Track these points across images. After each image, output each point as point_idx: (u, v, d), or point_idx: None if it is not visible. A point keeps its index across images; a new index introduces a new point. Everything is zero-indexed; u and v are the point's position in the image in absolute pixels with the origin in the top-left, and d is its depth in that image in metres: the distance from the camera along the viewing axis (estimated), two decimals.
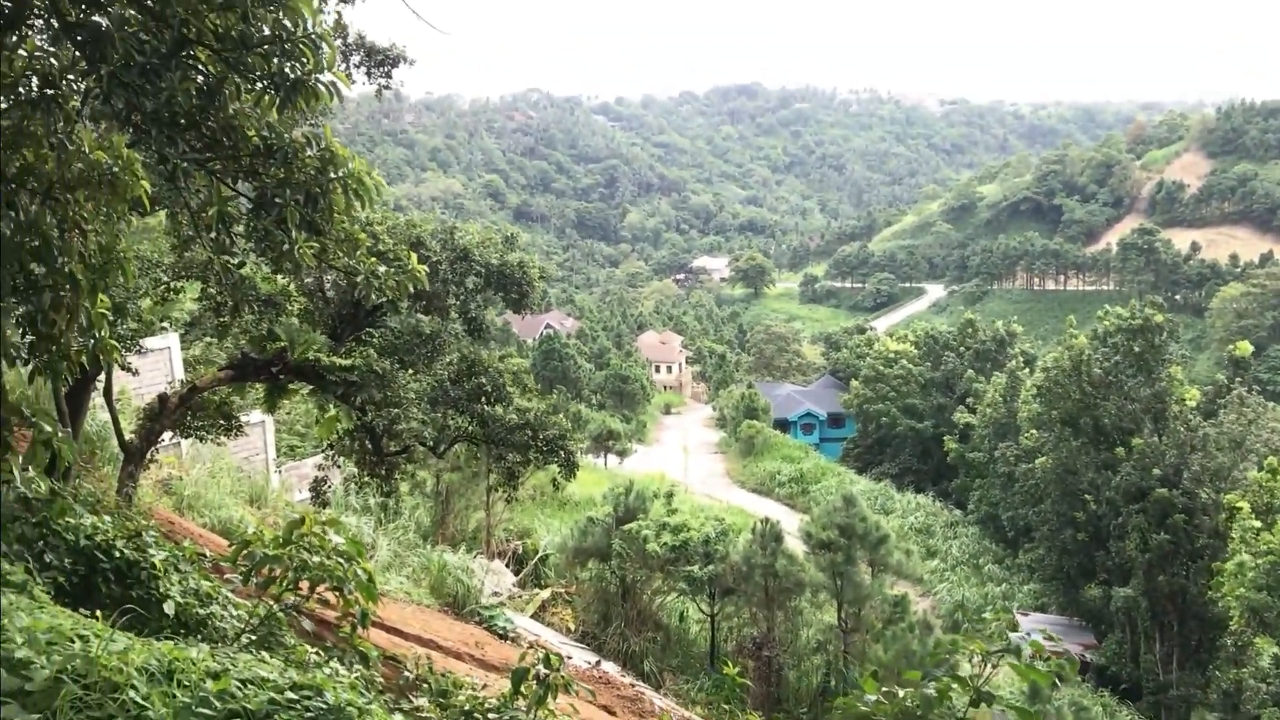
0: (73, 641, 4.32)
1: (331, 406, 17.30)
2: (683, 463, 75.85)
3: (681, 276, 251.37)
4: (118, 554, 6.68)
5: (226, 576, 7.55)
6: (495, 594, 26.05)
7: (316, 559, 6.63)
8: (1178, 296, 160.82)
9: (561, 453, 18.14)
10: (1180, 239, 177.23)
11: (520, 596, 28.47)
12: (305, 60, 6.31)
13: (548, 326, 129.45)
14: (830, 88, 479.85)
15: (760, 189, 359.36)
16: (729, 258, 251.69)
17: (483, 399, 17.64)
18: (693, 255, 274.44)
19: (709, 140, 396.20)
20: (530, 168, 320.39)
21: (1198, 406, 50.98)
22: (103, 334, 6.76)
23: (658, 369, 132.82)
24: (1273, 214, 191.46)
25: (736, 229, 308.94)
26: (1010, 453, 58.22)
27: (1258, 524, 36.63)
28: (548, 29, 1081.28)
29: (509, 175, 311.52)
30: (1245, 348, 63.86)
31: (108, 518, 7.22)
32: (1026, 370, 67.57)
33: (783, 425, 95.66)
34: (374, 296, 8.85)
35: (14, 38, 6.88)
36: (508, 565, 31.27)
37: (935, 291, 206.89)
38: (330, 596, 6.99)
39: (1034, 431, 55.12)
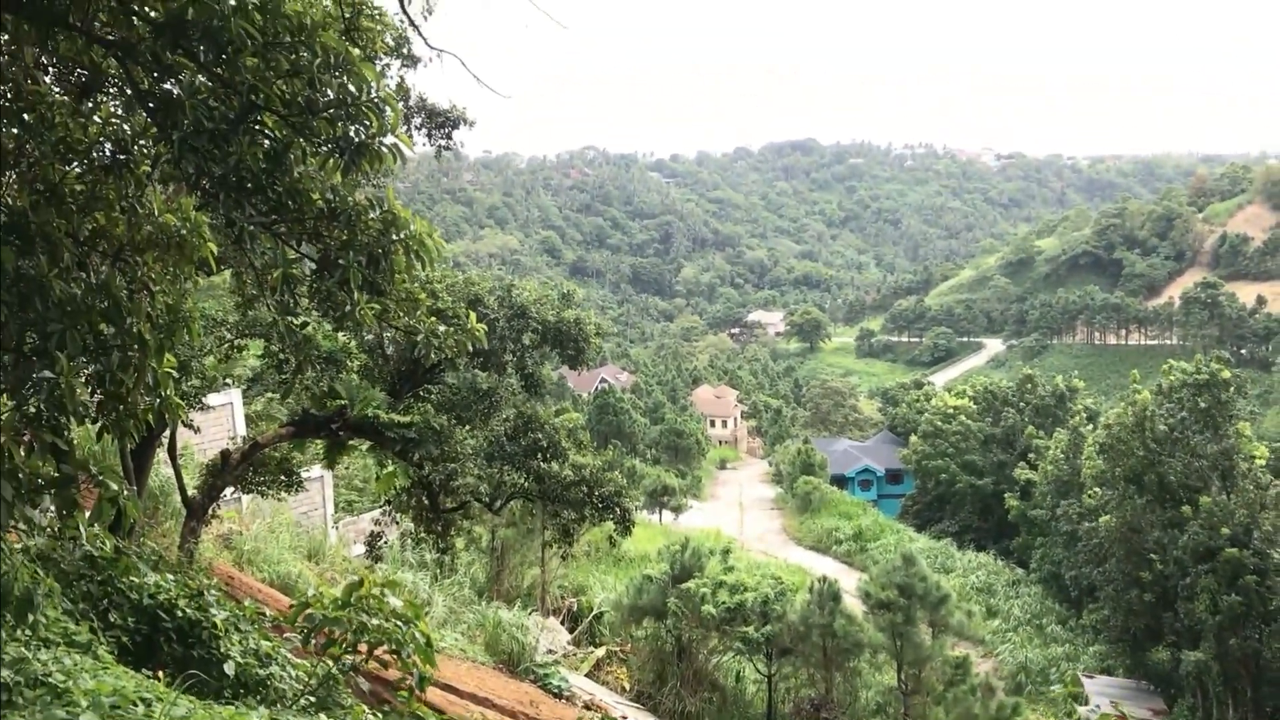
0: (136, 705, 4.33)
1: (390, 462, 17.45)
2: (739, 519, 75.25)
3: (736, 331, 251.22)
4: (180, 613, 6.73)
5: (286, 635, 7.56)
6: (550, 652, 25.87)
7: (375, 621, 6.62)
8: (1244, 351, 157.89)
9: (617, 509, 18.06)
10: (1245, 293, 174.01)
11: (575, 654, 28.26)
12: (369, 124, 6.41)
13: (602, 381, 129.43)
14: (885, 143, 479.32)
15: (815, 243, 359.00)
16: (784, 312, 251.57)
17: (538, 455, 17.66)
18: (747, 309, 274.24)
19: (763, 196, 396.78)
20: (586, 224, 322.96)
21: (1267, 464, 49.68)
22: (168, 393, 6.84)
23: (713, 423, 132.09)
24: None
25: (791, 283, 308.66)
26: (1073, 510, 56.97)
27: None
28: (603, 88, 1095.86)
29: (565, 231, 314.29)
30: None
31: (170, 576, 7.28)
32: (1089, 426, 66.32)
33: (840, 481, 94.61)
34: (433, 355, 8.90)
35: (89, 105, 7.08)
36: (562, 623, 31.10)
37: (994, 346, 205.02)
38: (388, 657, 6.97)
39: (1097, 489, 53.99)
